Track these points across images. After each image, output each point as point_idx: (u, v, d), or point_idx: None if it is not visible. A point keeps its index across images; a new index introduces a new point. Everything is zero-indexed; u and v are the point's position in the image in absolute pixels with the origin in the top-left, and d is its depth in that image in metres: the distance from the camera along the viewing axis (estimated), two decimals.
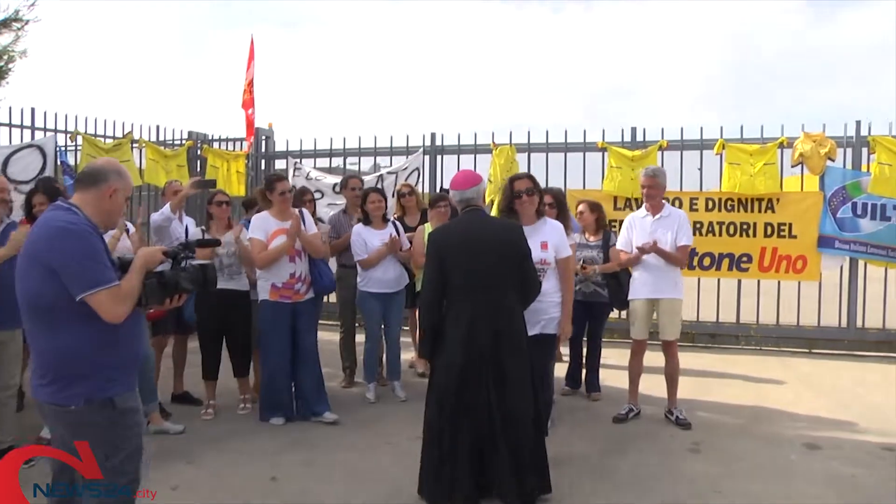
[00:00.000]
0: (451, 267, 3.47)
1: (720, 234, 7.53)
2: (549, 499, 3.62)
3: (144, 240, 4.86)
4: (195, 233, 5.22)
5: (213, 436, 4.70)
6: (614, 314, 6.26)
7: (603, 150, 7.98)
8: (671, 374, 4.96)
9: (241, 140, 9.08)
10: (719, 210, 7.57)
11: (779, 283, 7.59)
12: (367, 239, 5.46)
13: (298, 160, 8.95)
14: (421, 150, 8.64)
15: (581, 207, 5.84)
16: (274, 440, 4.61)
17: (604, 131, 8.04)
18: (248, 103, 8.48)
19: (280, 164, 9.36)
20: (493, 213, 8.21)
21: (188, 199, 5.51)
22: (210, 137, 9.24)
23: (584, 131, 8.14)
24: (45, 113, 7.17)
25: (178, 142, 8.66)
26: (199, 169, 8.82)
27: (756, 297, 7.62)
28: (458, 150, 8.65)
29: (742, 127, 7.65)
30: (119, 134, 7.77)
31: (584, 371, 5.75)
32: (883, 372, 6.54)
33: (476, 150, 8.53)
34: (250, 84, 8.50)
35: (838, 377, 6.41)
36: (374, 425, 4.95)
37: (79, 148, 7.21)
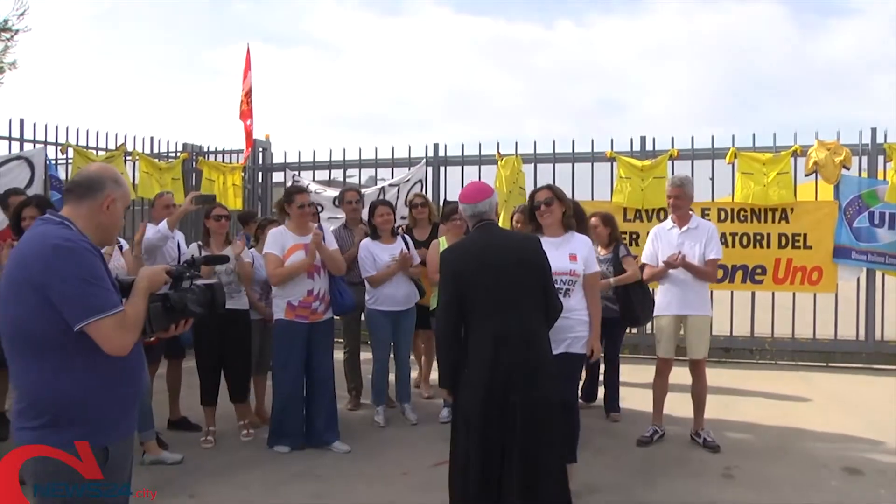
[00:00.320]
0: (470, 288, 3.16)
1: (733, 246, 7.30)
2: None
3: (141, 258, 4.55)
4: (192, 249, 4.94)
5: (214, 466, 4.41)
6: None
7: (611, 160, 7.78)
8: (699, 394, 4.72)
9: (238, 152, 8.82)
10: (732, 221, 7.37)
11: (794, 295, 7.39)
12: (375, 254, 5.20)
13: (297, 173, 8.70)
14: (423, 161, 8.41)
15: (594, 221, 5.57)
16: (281, 471, 4.32)
17: (612, 141, 7.85)
18: (247, 114, 8.23)
19: (278, 177, 9.12)
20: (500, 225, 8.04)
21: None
22: (206, 149, 8.98)
23: (592, 141, 7.97)
24: (34, 124, 6.90)
25: (173, 154, 8.39)
26: (193, 182, 8.55)
27: (771, 310, 7.41)
28: (462, 161, 8.43)
29: (754, 135, 7.50)
30: (112, 146, 7.49)
31: (600, 388, 5.52)
32: None
33: (480, 160, 8.31)
34: (248, 94, 8.25)
35: (862, 393, 6.19)
36: (386, 452, 4.66)
37: (69, 161, 6.92)
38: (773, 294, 7.43)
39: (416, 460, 4.48)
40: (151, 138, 8.06)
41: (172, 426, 5.08)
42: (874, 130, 7.23)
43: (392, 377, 5.57)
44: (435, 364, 6.01)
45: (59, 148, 6.97)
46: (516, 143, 8.06)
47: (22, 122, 6.79)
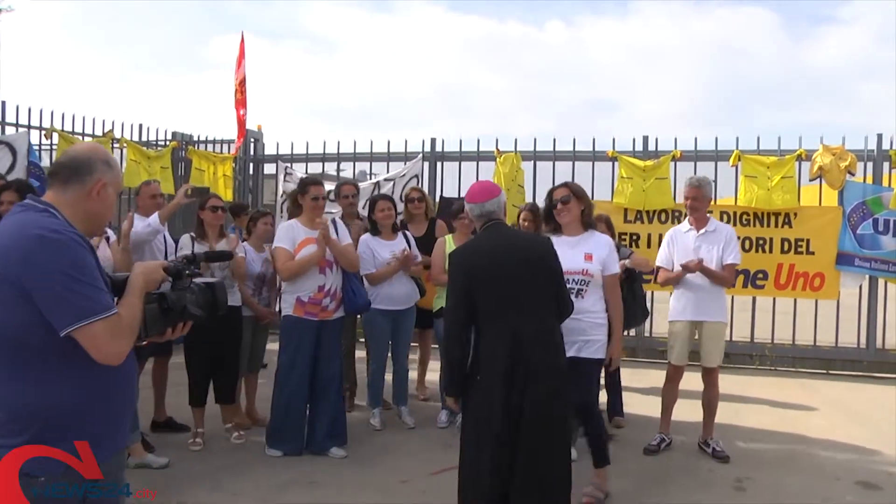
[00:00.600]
0: (481, 290, 3.02)
1: None
2: None
3: (128, 251, 4.29)
4: (184, 242, 4.70)
5: (204, 471, 4.19)
6: None
7: (613, 159, 7.63)
8: (710, 402, 4.57)
9: (228, 142, 8.55)
10: (734, 224, 7.20)
11: (795, 301, 7.28)
12: (375, 251, 4.99)
13: (289, 165, 8.46)
14: (420, 156, 8.21)
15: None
16: (275, 477, 4.11)
17: (614, 140, 7.70)
18: (241, 103, 7.97)
19: (270, 169, 8.86)
20: None
21: (161, 205, 4.81)
22: (196, 139, 8.70)
23: (594, 139, 7.80)
24: (17, 107, 6.62)
25: (162, 142, 8.11)
26: (181, 172, 8.29)
27: (772, 316, 7.30)
28: (460, 156, 8.24)
29: (758, 138, 7.37)
30: (98, 132, 7.21)
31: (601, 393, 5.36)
32: None
33: (479, 157, 8.13)
34: (242, 83, 7.99)
35: (865, 402, 6.09)
36: (384, 458, 4.46)
37: (54, 147, 6.65)
38: (774, 300, 7.32)
39: (416, 467, 4.29)
40: (140, 125, 7.79)
41: (157, 427, 4.83)
42: (880, 136, 7.14)
43: (388, 377, 5.37)
44: (432, 365, 5.89)
45: (43, 133, 6.69)
46: (515, 140, 7.90)
47: (3, 104, 6.52)
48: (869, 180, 7.16)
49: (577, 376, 3.55)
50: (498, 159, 7.84)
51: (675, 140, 7.55)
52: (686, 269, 4.33)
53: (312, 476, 4.13)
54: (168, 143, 8.07)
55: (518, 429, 2.96)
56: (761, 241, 7.18)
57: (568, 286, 3.56)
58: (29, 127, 6.58)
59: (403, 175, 8.11)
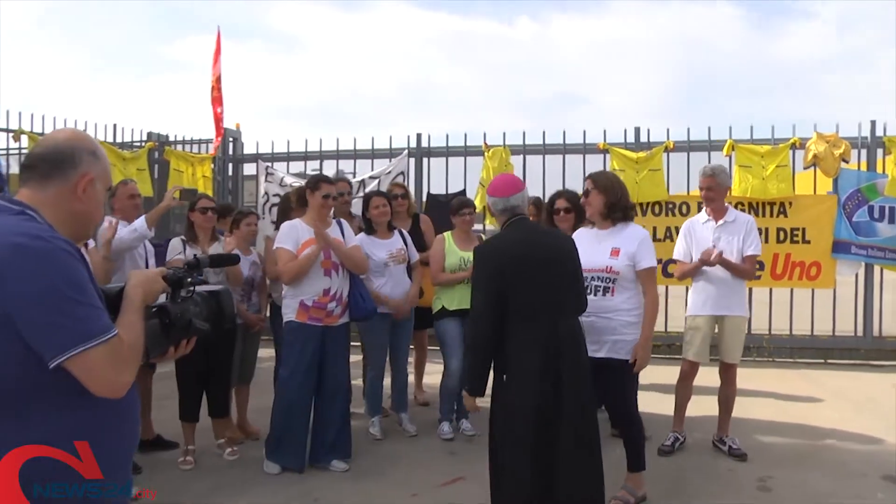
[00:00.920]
0: (515, 288, 2.89)
1: None
2: None
3: (110, 259, 3.98)
4: (174, 246, 4.39)
5: (196, 491, 3.90)
6: None
7: (604, 151, 7.47)
8: (727, 399, 4.41)
9: (207, 142, 8.22)
10: None
11: (792, 291, 7.19)
12: (371, 251, 4.73)
13: (270, 164, 8.16)
14: (406, 152, 7.96)
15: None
16: (275, 495, 3.84)
17: (605, 132, 7.53)
18: (217, 101, 7.64)
19: (250, 169, 8.55)
20: (487, 221, 7.65)
21: (139, 207, 4.52)
22: (172, 139, 8.34)
23: (584, 132, 7.64)
24: None
25: (138, 143, 7.75)
26: (156, 175, 7.94)
27: (769, 306, 7.20)
28: (447, 152, 8.02)
29: (752, 127, 7.27)
30: None
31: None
32: None
33: (466, 152, 7.92)
34: (218, 80, 7.67)
35: (870, 390, 6.00)
36: (388, 470, 4.21)
37: (23, 150, 6.27)
38: (770, 290, 7.22)
39: (424, 479, 4.06)
40: (114, 126, 7.43)
41: (145, 447, 4.38)
42: (873, 123, 7.07)
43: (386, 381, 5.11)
44: (429, 368, 5.64)
45: (10, 135, 6.31)
46: (504, 134, 7.72)
47: None
48: (863, 167, 7.09)
49: (610, 377, 3.44)
50: (486, 154, 7.65)
51: (668, 131, 7.43)
52: (705, 261, 4.15)
53: (314, 493, 3.87)
54: (144, 143, 7.71)
55: (555, 430, 2.87)
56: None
57: (594, 284, 3.44)
58: None
59: (389, 172, 7.87)
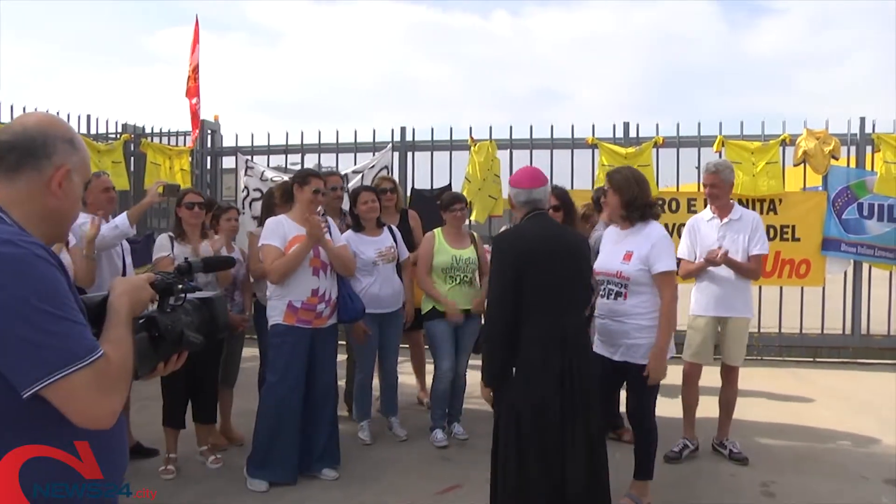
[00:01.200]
0: (530, 280, 2.84)
1: None
2: None
3: (93, 259, 3.74)
4: (162, 242, 4.15)
5: (180, 502, 3.70)
6: None
7: (593, 146, 7.35)
8: (728, 402, 4.31)
9: (184, 134, 7.93)
10: None
11: (781, 288, 7.15)
12: (360, 249, 4.55)
13: (250, 157, 7.89)
14: (390, 146, 7.77)
15: (585, 211, 5.03)
16: None
17: (593, 126, 7.41)
18: (193, 91, 7.35)
19: (229, 163, 8.28)
20: (473, 217, 7.50)
21: (114, 201, 4.33)
22: (149, 131, 8.03)
23: (572, 126, 7.50)
24: None
25: (113, 135, 7.44)
26: (132, 167, 7.65)
27: (758, 304, 7.14)
28: (432, 146, 7.85)
29: (742, 123, 7.19)
30: None
31: None
32: None
33: (452, 146, 7.74)
34: (195, 70, 7.39)
35: (862, 389, 5.98)
36: (381, 477, 4.04)
37: None
38: (759, 288, 7.17)
39: (418, 486, 3.90)
40: (88, 117, 7.13)
41: None
42: (863, 120, 7.05)
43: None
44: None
45: None
46: (490, 128, 7.56)
47: None
48: (852, 164, 7.06)
49: (627, 381, 3.39)
50: (472, 148, 7.49)
51: (657, 126, 7.32)
52: (710, 261, 4.03)
53: (306, 502, 3.69)
54: (119, 135, 7.41)
55: (562, 430, 2.81)
56: None
57: (608, 287, 3.37)
58: None
59: (373, 166, 7.67)
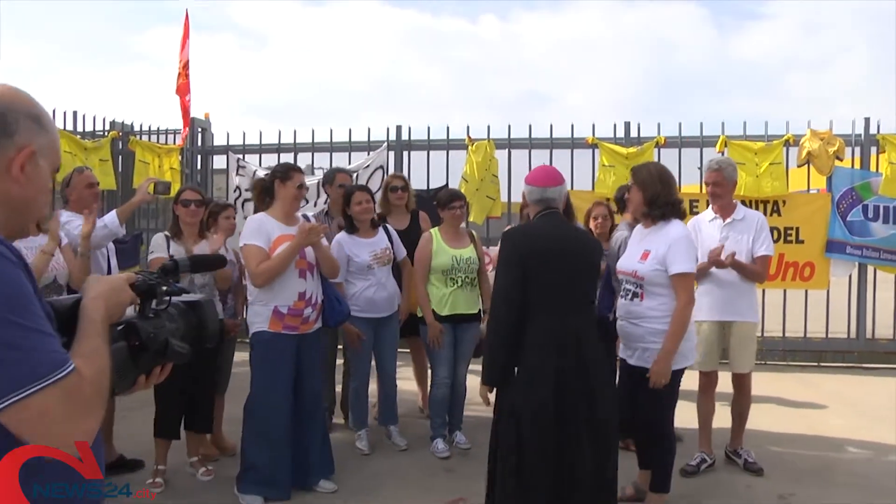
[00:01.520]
0: (537, 277, 2.80)
1: None
2: None
3: (88, 257, 3.53)
4: (157, 242, 3.94)
5: None
6: None
7: (593, 146, 7.20)
8: (741, 410, 4.14)
9: (174, 132, 7.71)
10: None
11: (784, 292, 7.01)
12: (353, 252, 4.34)
13: (242, 156, 7.69)
14: (385, 145, 7.58)
15: (599, 211, 4.83)
16: None
17: (594, 126, 7.26)
18: (184, 88, 7.14)
19: (220, 163, 8.06)
20: (471, 218, 7.31)
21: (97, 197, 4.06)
22: (137, 128, 7.80)
23: (572, 125, 7.35)
24: None
25: (100, 132, 7.20)
26: (120, 166, 7.42)
27: (761, 307, 6.99)
28: (428, 145, 7.66)
29: (745, 123, 7.06)
30: None
31: None
32: None
33: (449, 145, 7.57)
34: (185, 66, 7.17)
35: (871, 395, 5.84)
36: (381, 489, 3.85)
37: None
38: (763, 291, 7.02)
39: (421, 499, 3.72)
40: (74, 113, 6.88)
41: (107, 470, 4.00)
42: (867, 121, 6.94)
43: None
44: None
45: None
46: (488, 127, 7.39)
47: None
48: (857, 165, 6.95)
49: (644, 387, 3.22)
50: (470, 147, 7.32)
51: (659, 126, 7.20)
52: (714, 263, 3.85)
53: None
54: (106, 132, 7.17)
55: (573, 431, 2.75)
56: None
57: (626, 287, 3.27)
58: None
59: (367, 166, 7.48)
